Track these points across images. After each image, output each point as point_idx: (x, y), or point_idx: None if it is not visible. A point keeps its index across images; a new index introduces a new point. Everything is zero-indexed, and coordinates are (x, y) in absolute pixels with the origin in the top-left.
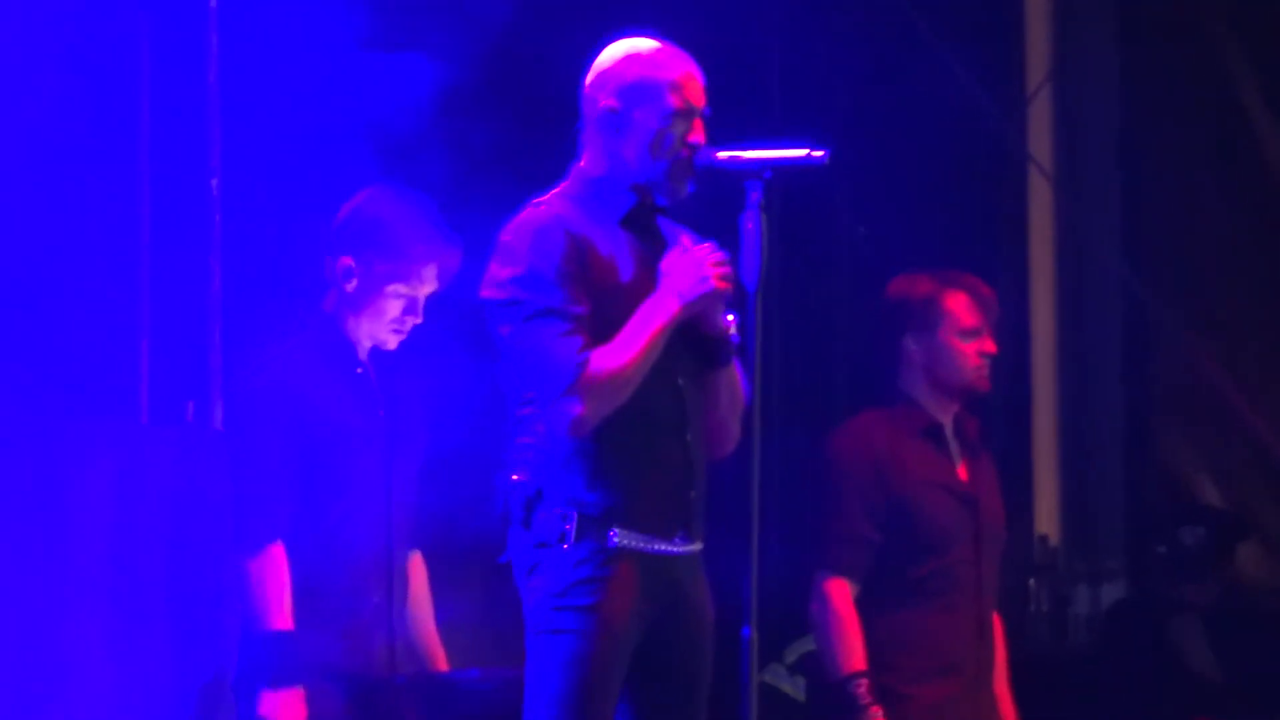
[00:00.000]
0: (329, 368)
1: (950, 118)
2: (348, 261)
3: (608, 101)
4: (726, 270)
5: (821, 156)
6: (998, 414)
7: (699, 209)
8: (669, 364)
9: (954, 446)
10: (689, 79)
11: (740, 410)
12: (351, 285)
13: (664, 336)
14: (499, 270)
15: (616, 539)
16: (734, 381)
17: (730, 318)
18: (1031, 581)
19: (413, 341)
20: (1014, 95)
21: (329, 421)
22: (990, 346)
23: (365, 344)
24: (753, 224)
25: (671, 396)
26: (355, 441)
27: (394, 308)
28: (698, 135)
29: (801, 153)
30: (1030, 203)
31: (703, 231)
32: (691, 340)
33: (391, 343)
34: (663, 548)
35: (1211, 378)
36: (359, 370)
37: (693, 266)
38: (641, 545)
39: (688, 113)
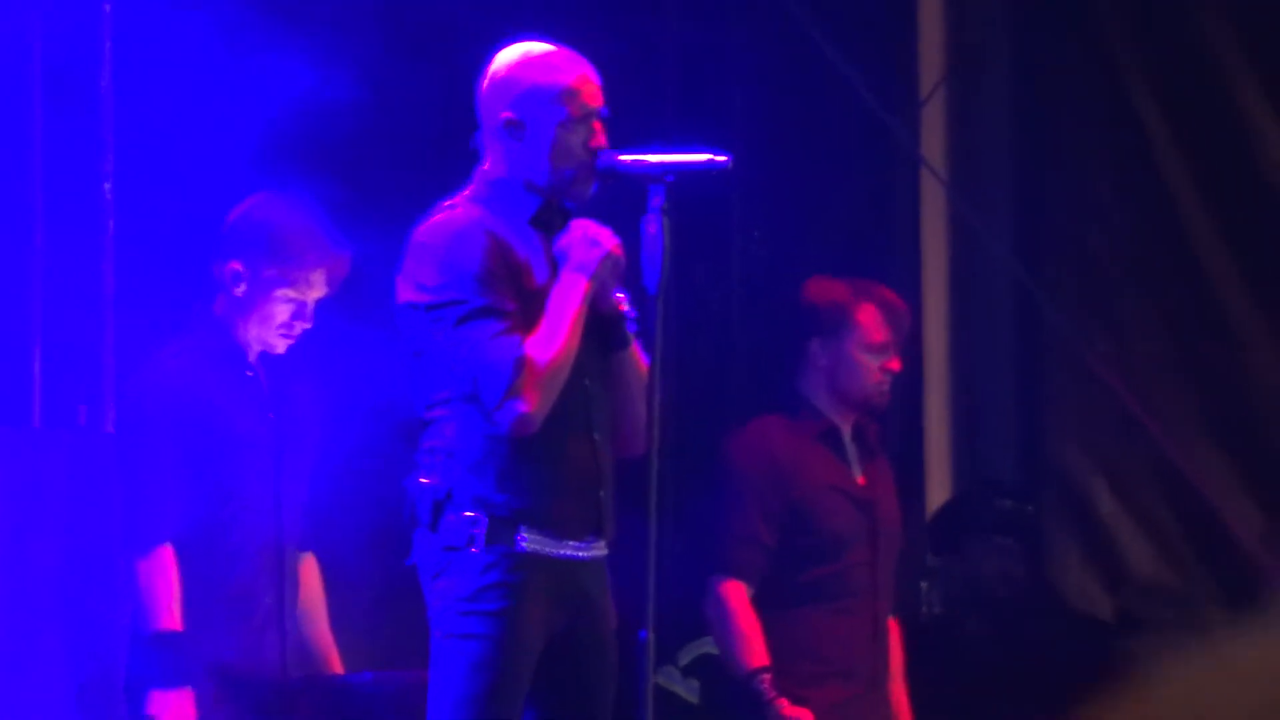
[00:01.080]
0: (218, 370)
1: (844, 120)
2: (236, 266)
3: (505, 112)
4: (616, 239)
5: (724, 161)
6: (891, 417)
7: (598, 212)
8: (576, 364)
9: (851, 451)
10: (584, 81)
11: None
12: (240, 290)
13: (582, 317)
14: (420, 273)
15: (526, 544)
16: (638, 366)
17: (621, 295)
18: (924, 585)
19: (303, 345)
20: (908, 98)
21: (218, 423)
22: (895, 365)
23: (255, 348)
24: (655, 227)
25: (577, 394)
26: (245, 443)
27: (282, 312)
28: (598, 139)
29: (704, 157)
30: (923, 205)
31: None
32: (589, 328)
33: (280, 347)
34: (571, 551)
35: (1105, 381)
36: (249, 373)
37: (583, 239)
38: (550, 550)
39: (586, 116)
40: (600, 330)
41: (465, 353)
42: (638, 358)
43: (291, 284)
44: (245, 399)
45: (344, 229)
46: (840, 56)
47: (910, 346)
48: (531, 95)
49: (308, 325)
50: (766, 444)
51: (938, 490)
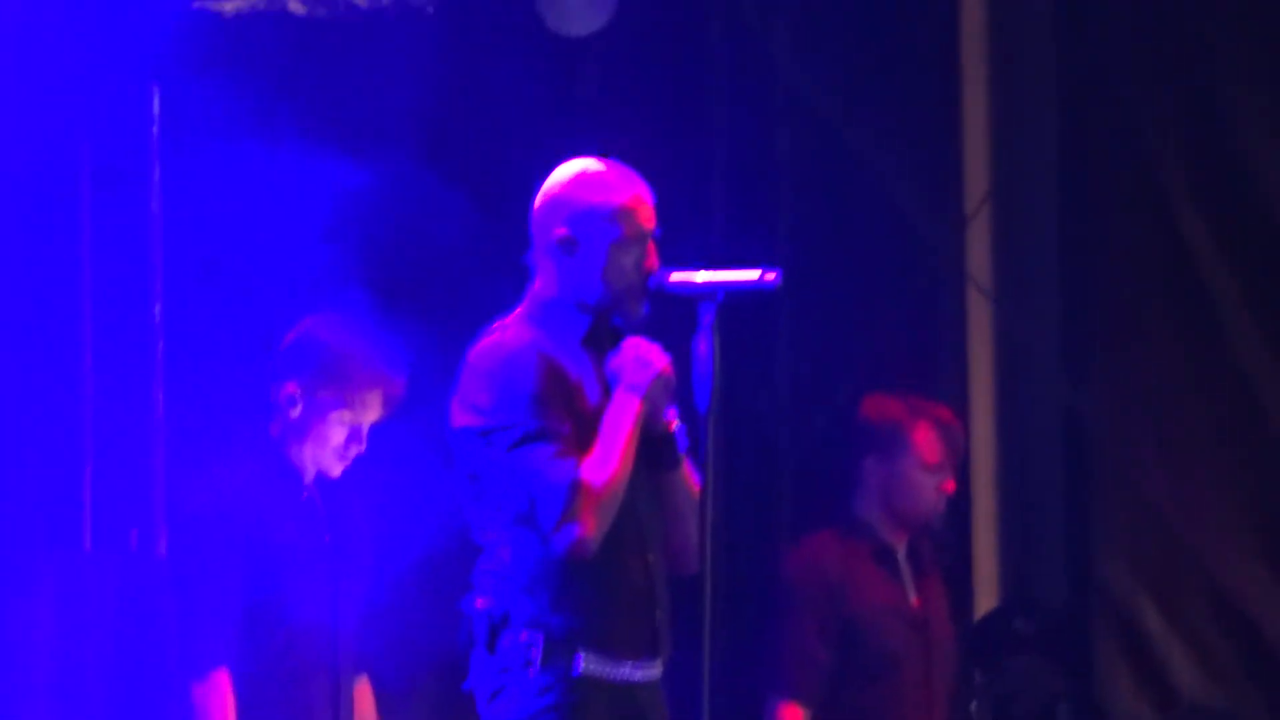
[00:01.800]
0: (274, 493)
1: (890, 236)
2: (292, 388)
3: (559, 230)
4: (667, 358)
5: (774, 280)
6: (940, 535)
7: (648, 329)
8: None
9: (906, 571)
10: (639, 202)
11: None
12: (296, 412)
13: (636, 438)
14: (474, 396)
15: (583, 665)
16: (689, 485)
17: (671, 413)
18: (973, 705)
19: (359, 467)
20: (953, 213)
21: (274, 546)
22: (950, 486)
23: (310, 470)
24: (705, 346)
25: (631, 514)
26: (301, 566)
27: (338, 435)
28: (651, 260)
29: (754, 275)
30: (970, 322)
31: None
32: (640, 449)
33: (336, 469)
34: (629, 673)
35: (1157, 500)
36: (304, 495)
37: (635, 360)
38: (608, 672)
39: (640, 237)
40: (652, 450)
41: (521, 477)
42: (689, 477)
43: (347, 406)
44: (301, 521)
45: (398, 347)
46: (886, 170)
47: (962, 468)
48: (586, 214)
49: (362, 448)
50: (821, 561)
51: (986, 609)
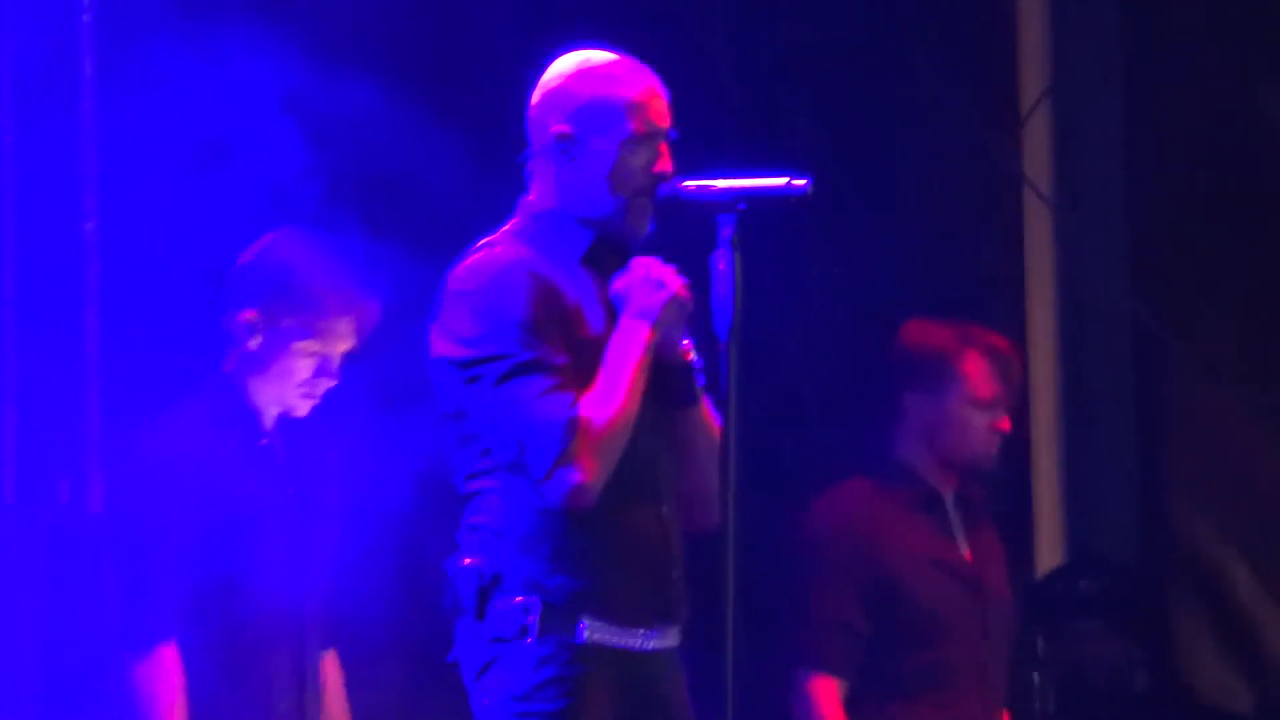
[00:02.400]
0: (228, 439)
1: (933, 138)
2: (250, 315)
3: (558, 126)
4: (683, 279)
5: (804, 186)
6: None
7: (656, 246)
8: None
9: (955, 519)
10: (652, 96)
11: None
12: (254, 343)
13: (645, 370)
14: (457, 324)
15: (586, 633)
16: (708, 425)
17: (687, 343)
18: (1036, 677)
19: (326, 405)
20: (1007, 113)
21: (228, 501)
22: (1005, 424)
23: (271, 410)
24: (725, 263)
25: (641, 459)
26: (260, 524)
27: (304, 368)
28: (664, 163)
29: (781, 181)
30: (1027, 233)
31: None
32: (652, 384)
33: (302, 408)
34: (640, 642)
35: (1245, 441)
36: (263, 441)
37: (645, 281)
38: (615, 640)
39: (651, 136)
40: (665, 385)
41: (509, 415)
42: (708, 416)
43: (314, 335)
44: (260, 471)
45: (372, 271)
46: (927, 64)
47: (1018, 399)
48: (590, 108)
49: (333, 382)
50: (854, 512)
51: (1048, 566)
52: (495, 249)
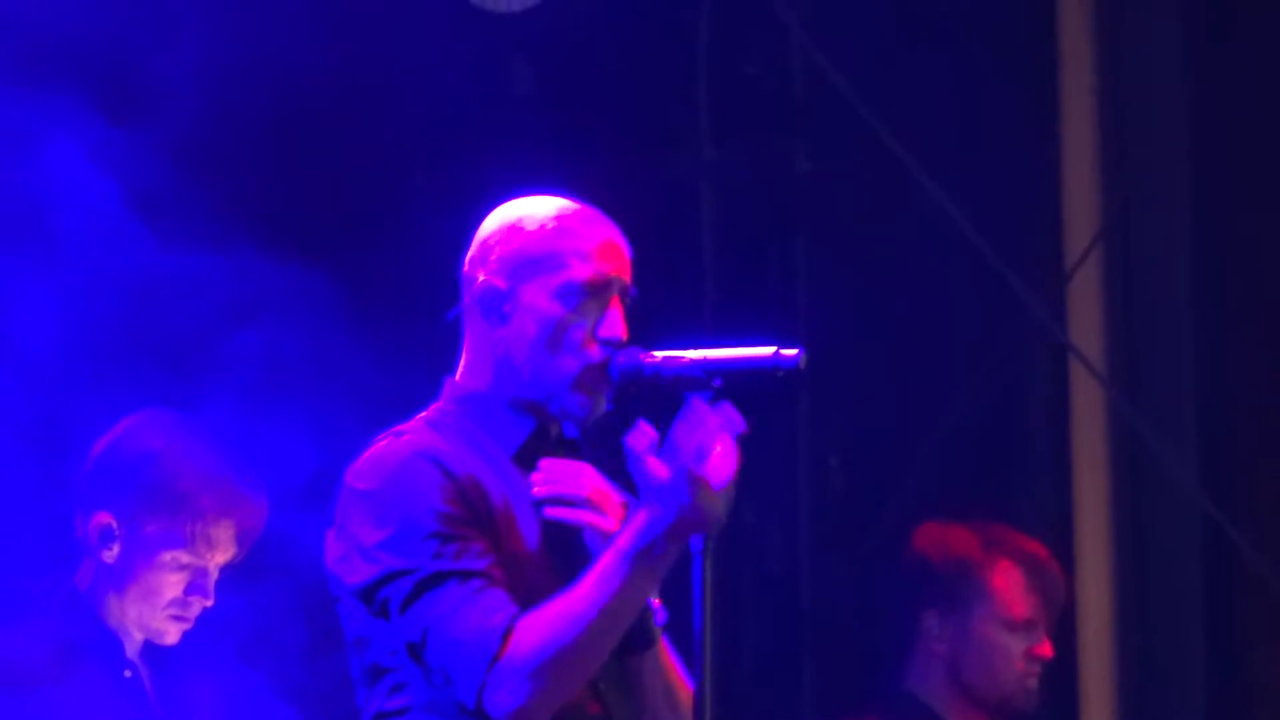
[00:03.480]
0: (82, 671)
1: (958, 297)
2: (105, 519)
3: (490, 280)
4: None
5: (794, 357)
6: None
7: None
8: None
9: None
10: (606, 244)
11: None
12: (111, 554)
13: (639, 579)
14: (355, 530)
15: None
16: (667, 671)
17: None
18: None
19: (202, 629)
20: (1049, 266)
21: None
22: (1046, 649)
23: (135, 636)
24: None
25: (591, 709)
26: None
27: (173, 585)
28: (615, 326)
29: (767, 351)
30: (1074, 415)
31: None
32: None
33: (172, 634)
34: None
35: None
36: (126, 674)
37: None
38: None
39: (601, 289)
40: None
41: (425, 640)
42: (666, 659)
43: (185, 544)
44: (123, 710)
45: (256, 462)
46: (954, 207)
47: (1062, 619)
48: (527, 254)
49: (209, 602)
50: None
51: None
52: (402, 439)
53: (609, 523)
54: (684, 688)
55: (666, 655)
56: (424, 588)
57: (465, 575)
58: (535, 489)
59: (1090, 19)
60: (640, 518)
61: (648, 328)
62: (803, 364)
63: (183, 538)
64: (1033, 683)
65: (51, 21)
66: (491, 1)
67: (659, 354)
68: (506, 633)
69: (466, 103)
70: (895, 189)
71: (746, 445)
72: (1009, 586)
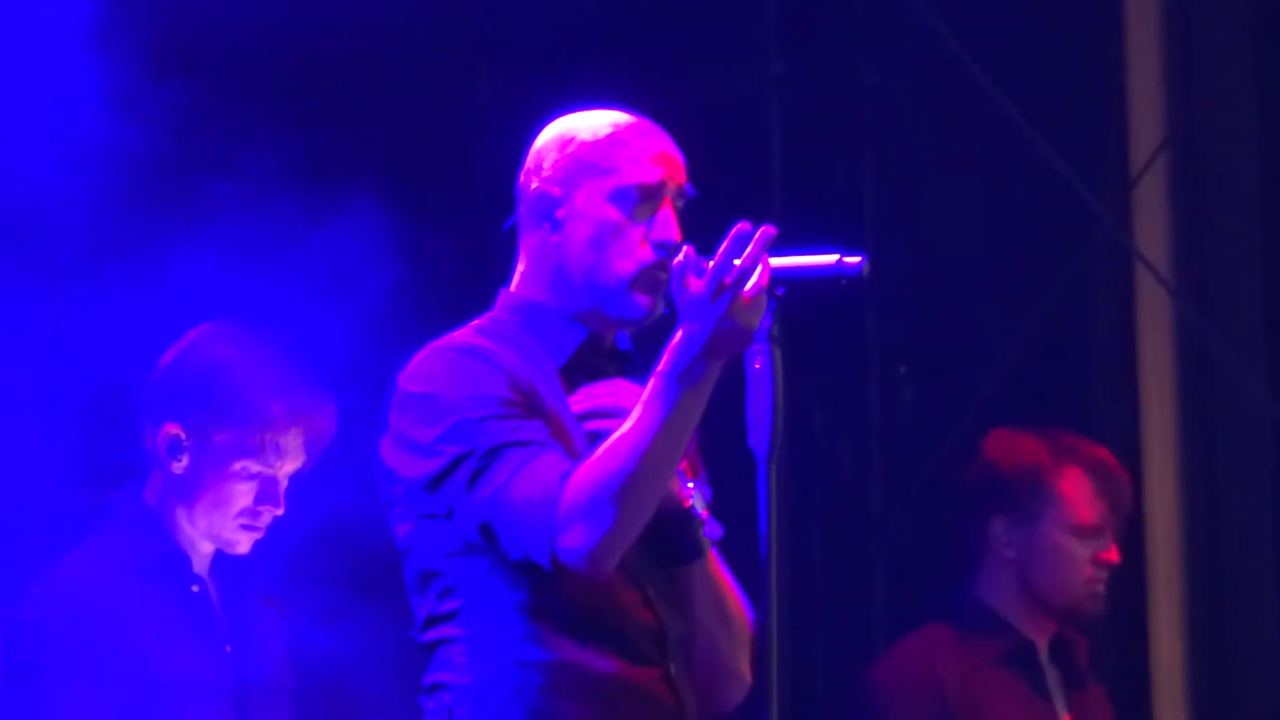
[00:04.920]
0: (149, 586)
1: (1022, 205)
2: (174, 430)
3: (544, 187)
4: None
5: (858, 265)
6: (1107, 630)
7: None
8: (629, 559)
9: (1053, 678)
10: (659, 151)
11: (743, 637)
12: (181, 464)
13: (686, 400)
14: (408, 430)
15: None
16: (716, 585)
17: (690, 486)
18: None
19: (273, 540)
20: (1114, 172)
21: (151, 665)
22: (1113, 554)
23: (203, 549)
24: (762, 362)
25: (640, 608)
26: (190, 691)
27: (244, 494)
28: (669, 229)
29: (830, 259)
30: (1140, 322)
31: None
32: (649, 537)
33: (243, 544)
34: None
35: None
36: (194, 589)
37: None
38: None
39: (654, 192)
40: (663, 537)
41: (493, 511)
42: (717, 572)
43: (255, 453)
44: (190, 626)
45: (324, 371)
46: (1017, 115)
47: (1129, 523)
48: (579, 160)
49: (279, 511)
50: (930, 670)
51: None
52: (452, 341)
53: None
54: (735, 602)
55: (717, 568)
56: (485, 464)
57: (523, 444)
58: (575, 406)
59: None
60: (678, 337)
61: (715, 241)
62: (866, 271)
63: (252, 447)
64: (1100, 588)
65: None
66: None
67: None
68: (565, 480)
69: (532, 17)
70: (961, 99)
71: (815, 355)
72: (1077, 493)
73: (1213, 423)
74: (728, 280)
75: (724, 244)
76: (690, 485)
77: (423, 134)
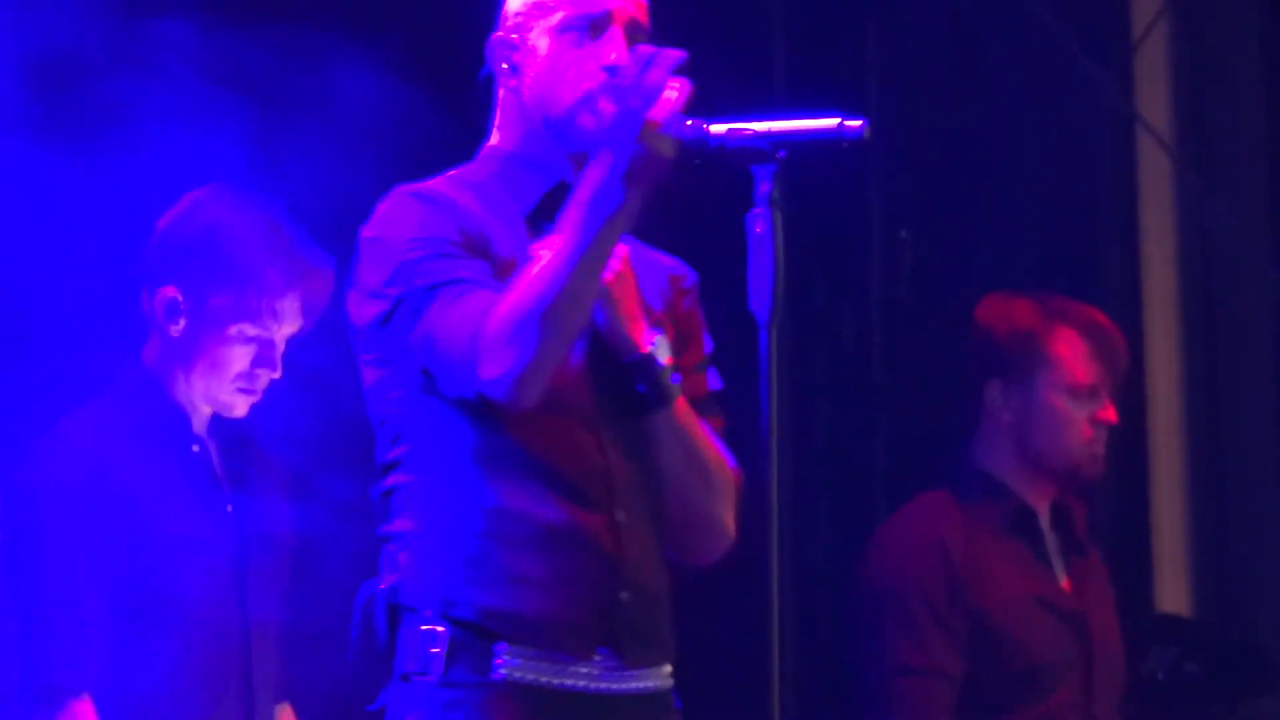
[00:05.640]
0: (149, 445)
1: (1021, 69)
2: (171, 293)
3: (503, 34)
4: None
5: (859, 129)
6: (1105, 494)
7: (685, 210)
8: (582, 405)
9: (1053, 543)
10: None
11: (721, 488)
12: (178, 327)
13: (604, 229)
14: (365, 278)
15: (504, 667)
16: (688, 434)
17: (653, 336)
18: None
19: (271, 401)
20: (1115, 38)
21: (151, 524)
22: (1110, 414)
23: (202, 410)
24: (763, 226)
25: (590, 453)
26: (191, 552)
27: (240, 357)
28: (615, 53)
29: (831, 123)
30: (1141, 187)
31: (695, 242)
32: (605, 375)
33: (240, 406)
34: (576, 680)
35: None
36: (194, 449)
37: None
38: (541, 676)
39: (602, 20)
40: (621, 383)
41: (425, 350)
42: (688, 420)
43: (252, 316)
44: (190, 486)
45: (320, 234)
46: None
47: (1130, 388)
48: (531, 4)
49: (276, 374)
50: (934, 534)
51: (1171, 603)
52: (408, 185)
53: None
54: (711, 451)
55: (691, 421)
56: (422, 304)
57: (455, 282)
58: (535, 252)
59: None
60: (593, 165)
61: (715, 112)
62: (867, 134)
63: (249, 310)
64: (1099, 449)
65: None
66: None
67: (723, 126)
68: (484, 313)
69: None
70: None
71: (818, 221)
72: (1071, 353)
73: (1213, 288)
74: (633, 103)
75: (628, 66)
76: (656, 335)
77: None
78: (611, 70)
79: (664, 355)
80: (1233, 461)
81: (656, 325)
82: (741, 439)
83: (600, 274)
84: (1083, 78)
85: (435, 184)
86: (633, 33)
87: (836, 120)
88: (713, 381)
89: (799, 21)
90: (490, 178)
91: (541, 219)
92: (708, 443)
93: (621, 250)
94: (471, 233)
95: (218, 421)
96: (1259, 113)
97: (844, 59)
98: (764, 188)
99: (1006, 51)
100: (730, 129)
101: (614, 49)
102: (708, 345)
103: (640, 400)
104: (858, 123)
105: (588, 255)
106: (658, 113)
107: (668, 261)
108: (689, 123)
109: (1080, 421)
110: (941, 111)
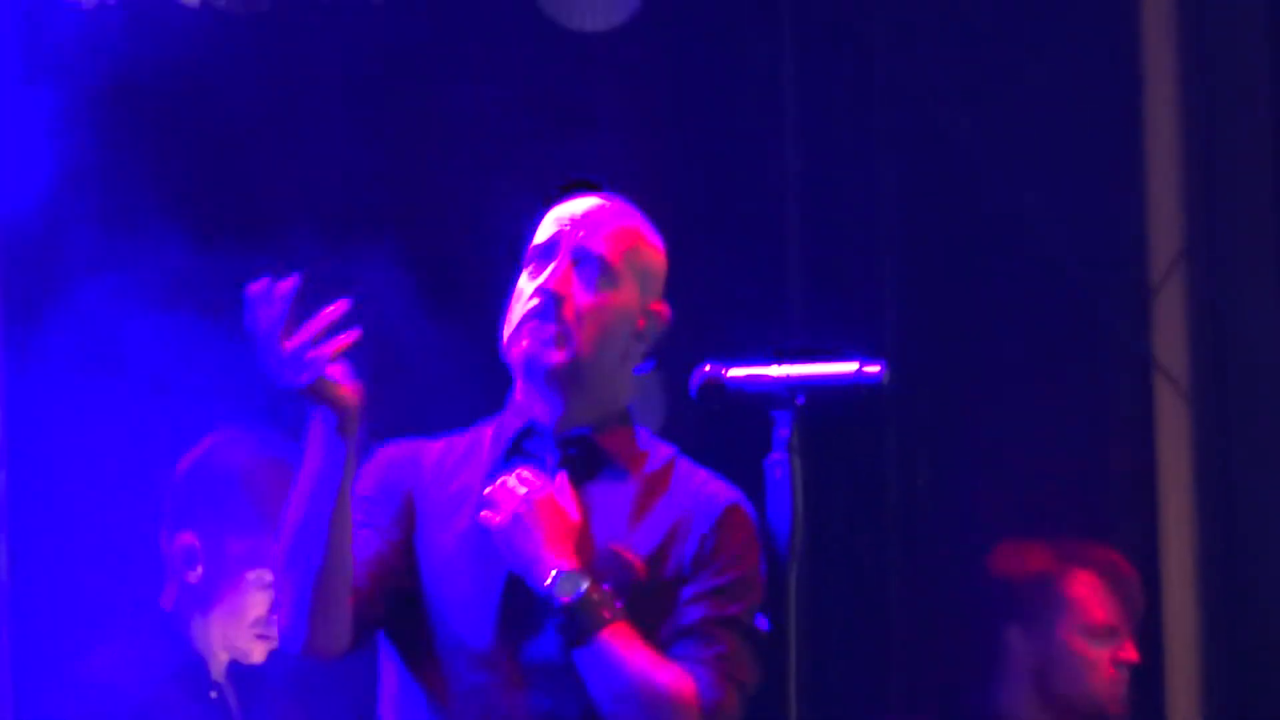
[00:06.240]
0: (168, 693)
1: (1041, 313)
2: (188, 539)
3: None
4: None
5: (878, 373)
6: None
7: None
8: (483, 646)
9: None
10: (562, 215)
11: (658, 714)
12: (195, 574)
13: (314, 460)
14: None
15: None
16: (625, 674)
17: (553, 574)
18: None
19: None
20: (1135, 281)
21: None
22: (1131, 653)
23: (221, 656)
24: (782, 471)
25: (492, 696)
26: None
27: (258, 604)
28: (547, 276)
29: (850, 367)
30: (1159, 432)
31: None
32: (519, 611)
33: (258, 653)
34: None
35: None
36: (212, 694)
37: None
38: None
39: (547, 249)
40: (531, 622)
41: None
42: (626, 654)
43: (268, 563)
44: None
45: None
46: (1037, 222)
47: (1147, 627)
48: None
49: None
50: None
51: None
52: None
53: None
54: (656, 689)
55: (632, 654)
56: None
57: None
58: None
59: (1173, 38)
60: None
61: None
62: (886, 379)
63: (267, 556)
64: (1121, 689)
65: None
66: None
67: (741, 371)
68: None
69: None
70: (981, 209)
71: (835, 462)
72: (1088, 594)
73: (1232, 534)
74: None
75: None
76: (554, 574)
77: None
78: (539, 291)
79: (568, 592)
80: (1257, 697)
81: (615, 560)
82: (767, 671)
83: (318, 501)
84: (1102, 322)
85: (404, 440)
86: (578, 258)
87: (855, 365)
88: (715, 609)
89: (818, 266)
90: (491, 423)
91: (516, 459)
92: (649, 677)
93: (558, 484)
94: (395, 489)
95: (236, 667)
96: (1277, 359)
97: (862, 299)
98: (783, 433)
99: (1027, 296)
100: (749, 374)
101: (546, 272)
102: (726, 576)
103: (566, 639)
104: (876, 367)
105: (302, 484)
106: (289, 346)
107: (703, 493)
108: (708, 367)
109: (1101, 662)
110: (958, 351)
